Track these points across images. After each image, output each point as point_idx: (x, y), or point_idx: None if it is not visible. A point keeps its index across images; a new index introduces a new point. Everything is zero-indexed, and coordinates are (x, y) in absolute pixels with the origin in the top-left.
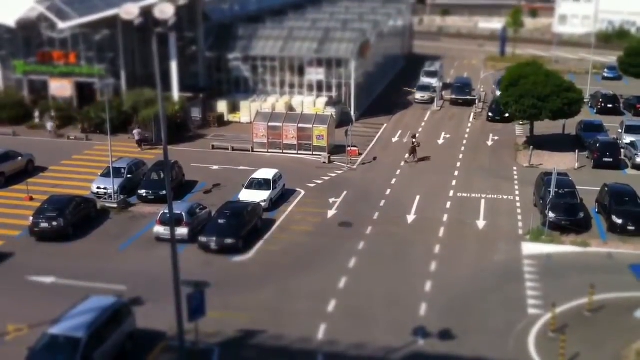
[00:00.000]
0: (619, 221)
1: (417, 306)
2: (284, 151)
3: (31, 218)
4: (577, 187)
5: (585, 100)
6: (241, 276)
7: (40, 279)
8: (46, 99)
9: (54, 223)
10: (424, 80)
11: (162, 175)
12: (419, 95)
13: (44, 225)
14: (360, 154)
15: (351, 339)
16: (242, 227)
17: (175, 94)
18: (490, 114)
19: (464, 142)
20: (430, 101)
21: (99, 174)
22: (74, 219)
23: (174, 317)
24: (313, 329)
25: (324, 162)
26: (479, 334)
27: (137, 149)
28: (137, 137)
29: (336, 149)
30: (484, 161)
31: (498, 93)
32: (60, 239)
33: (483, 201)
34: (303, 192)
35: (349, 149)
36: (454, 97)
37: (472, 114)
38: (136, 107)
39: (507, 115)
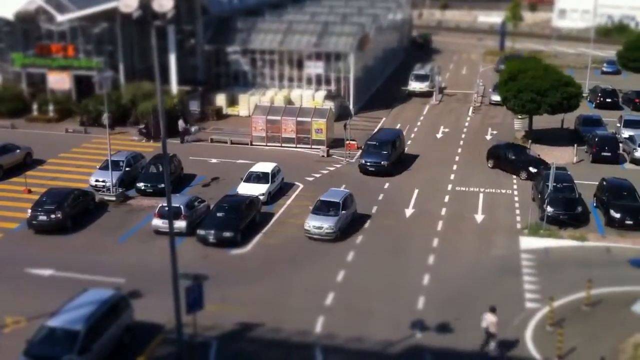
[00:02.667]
0: (617, 215)
1: (415, 300)
2: (283, 145)
3: (29, 211)
4: (575, 181)
5: (584, 95)
6: (239, 269)
7: (38, 272)
8: (44, 91)
9: (52, 216)
10: (413, 84)
11: (161, 168)
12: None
13: (42, 217)
14: (359, 148)
15: (349, 332)
16: (241, 220)
17: (174, 87)
18: None
19: (463, 136)
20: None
21: (98, 166)
22: (72, 212)
23: (172, 310)
24: (311, 322)
25: (323, 156)
26: (477, 328)
27: (137, 141)
28: (107, 121)
29: (335, 143)
30: (483, 155)
31: (494, 97)
32: (58, 232)
33: (481, 195)
34: (301, 186)
35: (347, 142)
36: (362, 162)
37: (471, 108)
38: (135, 100)
39: None
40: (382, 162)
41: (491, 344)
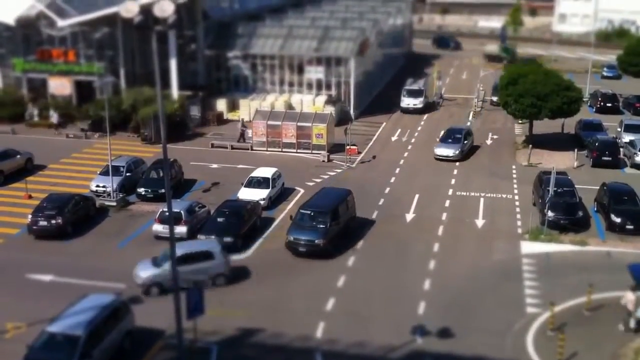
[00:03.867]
0: (618, 220)
1: (415, 305)
2: (283, 150)
3: (30, 216)
4: (576, 186)
5: (584, 99)
6: (240, 274)
7: (39, 277)
8: (45, 96)
9: (53, 221)
10: (406, 101)
11: (161, 174)
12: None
13: (43, 223)
14: (359, 153)
15: (350, 338)
16: (241, 225)
17: (175, 92)
18: None
19: None
20: None
21: (98, 172)
22: (72, 217)
23: (173, 315)
24: (312, 328)
25: (323, 161)
26: (478, 333)
27: (138, 146)
28: (55, 121)
29: (335, 148)
30: (483, 160)
31: (494, 98)
32: (59, 237)
33: (482, 200)
34: (302, 191)
35: (348, 147)
36: (290, 239)
37: (472, 113)
38: (135, 105)
39: None
40: (315, 241)
41: (631, 320)
